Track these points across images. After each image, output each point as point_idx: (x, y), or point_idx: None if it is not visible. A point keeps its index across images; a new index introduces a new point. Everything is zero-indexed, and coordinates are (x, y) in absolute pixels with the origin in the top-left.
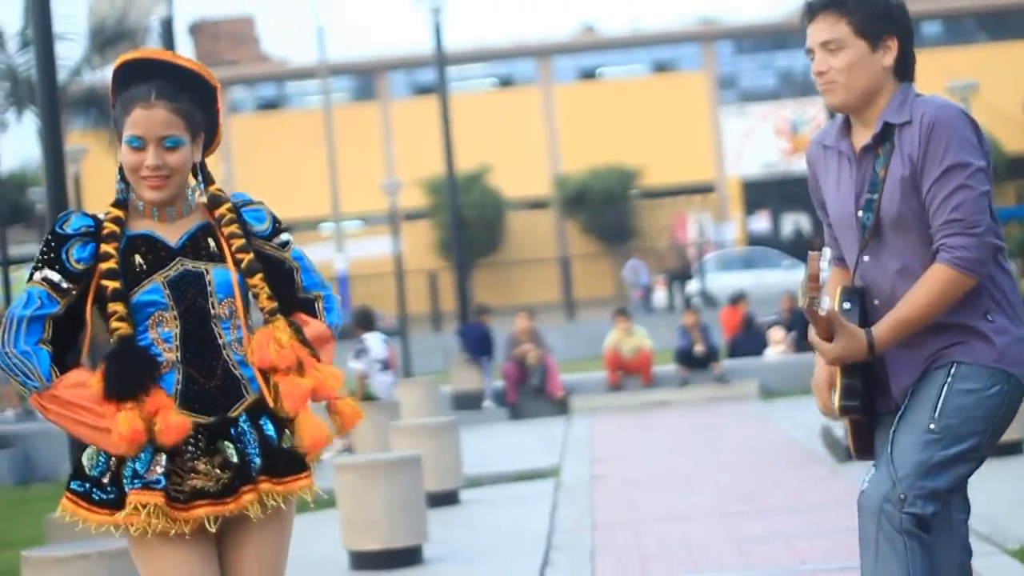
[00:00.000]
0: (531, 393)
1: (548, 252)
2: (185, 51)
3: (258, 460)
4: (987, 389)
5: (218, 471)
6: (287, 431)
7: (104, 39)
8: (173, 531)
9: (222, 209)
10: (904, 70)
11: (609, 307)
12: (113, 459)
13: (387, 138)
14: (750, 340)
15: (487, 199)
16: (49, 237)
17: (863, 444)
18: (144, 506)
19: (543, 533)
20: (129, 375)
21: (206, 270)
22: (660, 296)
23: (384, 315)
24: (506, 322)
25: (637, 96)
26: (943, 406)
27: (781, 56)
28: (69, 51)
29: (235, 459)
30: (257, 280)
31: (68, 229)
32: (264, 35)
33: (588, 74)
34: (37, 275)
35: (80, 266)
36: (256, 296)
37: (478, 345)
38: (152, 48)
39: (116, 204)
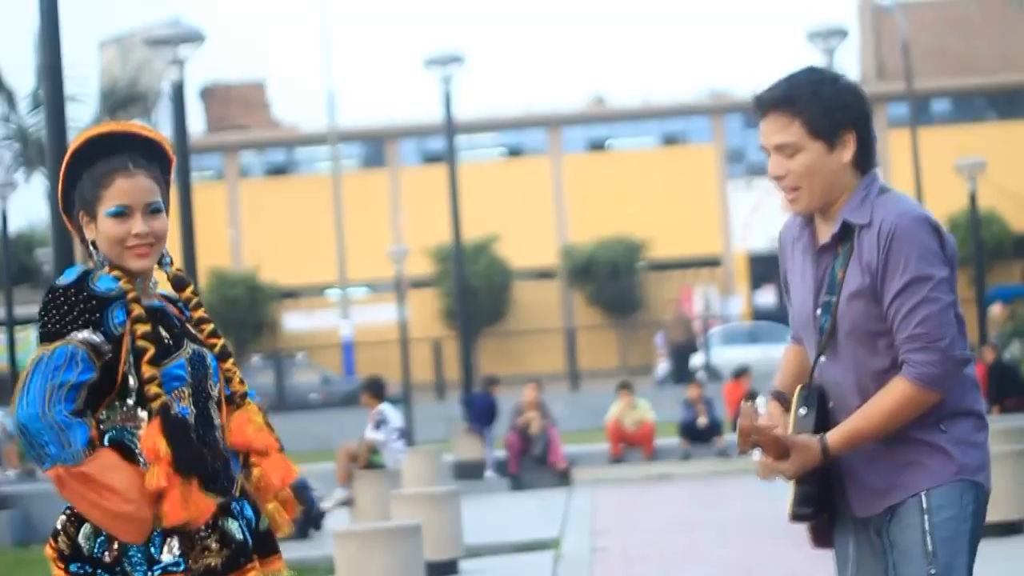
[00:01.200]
0: (533, 464)
1: (554, 322)
2: (196, 115)
3: (251, 540)
4: (964, 509)
5: (225, 549)
6: (261, 515)
7: (115, 101)
8: None
9: (187, 292)
10: (865, 159)
11: (613, 379)
12: (115, 542)
13: (395, 205)
14: None
15: (494, 268)
16: (84, 295)
17: (820, 538)
18: None
19: None
20: (194, 448)
21: (206, 352)
22: (663, 369)
23: (388, 382)
24: (511, 392)
25: (646, 168)
26: (933, 547)
27: None
28: (80, 113)
29: (239, 536)
30: (230, 364)
31: (100, 289)
32: (275, 100)
33: (597, 145)
34: (77, 335)
35: (118, 331)
36: (229, 380)
37: (482, 415)
38: (114, 122)
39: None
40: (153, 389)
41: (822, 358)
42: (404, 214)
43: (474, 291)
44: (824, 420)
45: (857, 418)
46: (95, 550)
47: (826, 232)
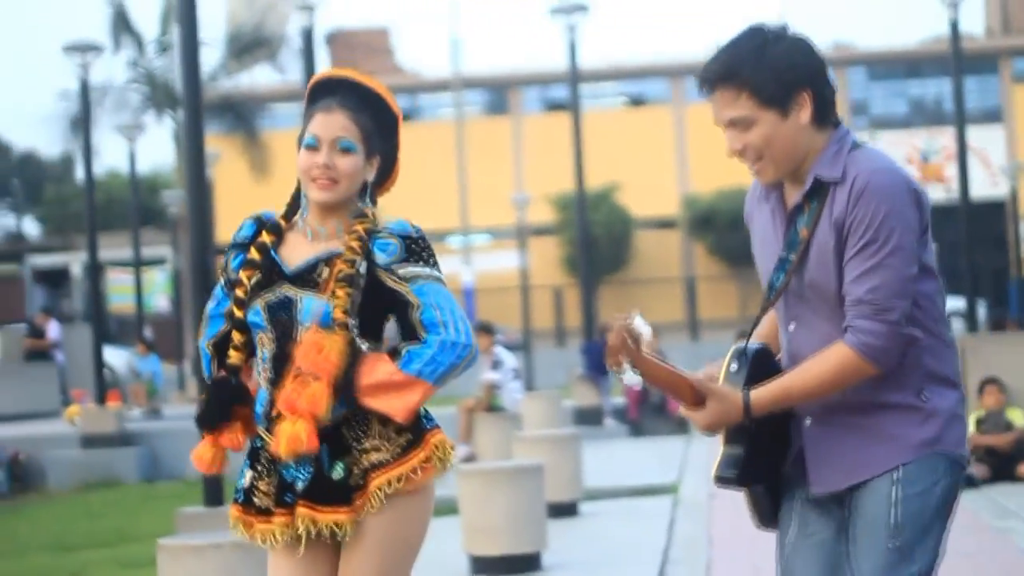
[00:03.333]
0: (652, 411)
1: (674, 272)
2: (321, 60)
3: (301, 484)
4: (934, 485)
5: (273, 491)
6: (342, 461)
7: (241, 46)
8: (254, 541)
9: (350, 240)
10: (825, 114)
11: (732, 329)
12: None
13: (518, 153)
14: None
15: (615, 217)
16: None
17: (763, 515)
18: (229, 518)
19: (660, 547)
20: (214, 409)
21: (300, 298)
22: None
23: (508, 329)
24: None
25: None
26: (897, 520)
27: (914, 84)
28: (207, 57)
29: (287, 480)
30: (340, 315)
31: (237, 237)
32: (399, 47)
33: None
34: (224, 274)
35: (235, 276)
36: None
37: (599, 362)
38: (343, 69)
39: (284, 215)
40: (230, 350)
41: (791, 326)
42: (526, 162)
43: (595, 239)
44: (758, 381)
45: (788, 378)
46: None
47: (795, 193)
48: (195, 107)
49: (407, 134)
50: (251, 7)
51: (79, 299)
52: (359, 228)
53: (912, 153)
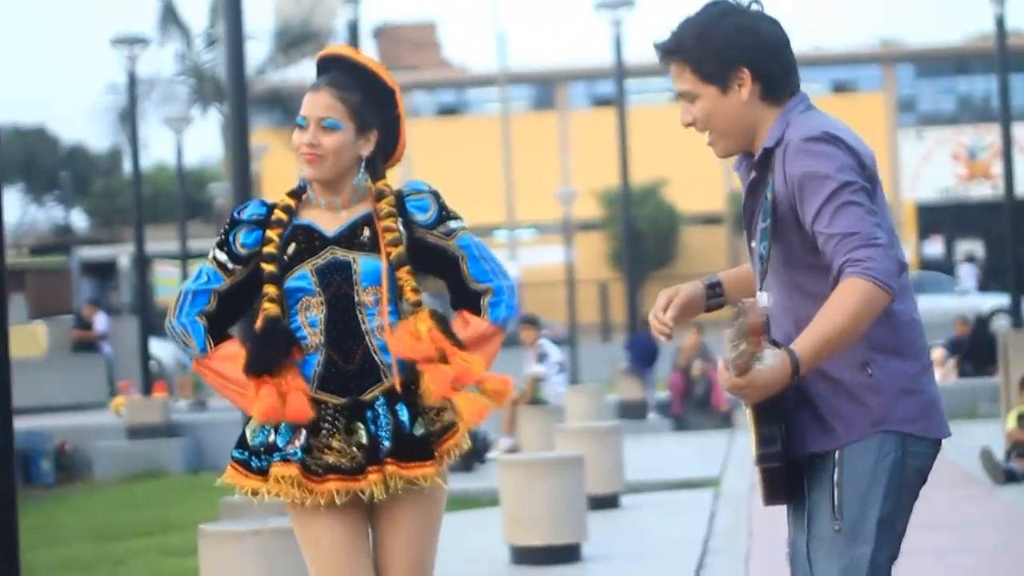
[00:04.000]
0: (695, 406)
1: (720, 268)
2: (368, 54)
3: (387, 443)
4: (881, 461)
5: (353, 449)
6: (420, 419)
7: (289, 40)
8: (308, 501)
9: (383, 203)
10: (773, 90)
11: None
12: (272, 432)
13: (564, 148)
14: None
15: (661, 213)
16: (227, 221)
17: (774, 491)
18: (283, 478)
19: (700, 538)
20: (268, 354)
21: (354, 259)
22: None
23: (553, 323)
24: (674, 335)
25: None
26: (840, 502)
27: (961, 81)
28: (254, 51)
29: (365, 440)
30: (403, 273)
31: (243, 216)
32: (445, 41)
33: None
34: (210, 255)
35: (244, 250)
36: (402, 288)
37: (643, 356)
38: (340, 46)
39: (291, 193)
40: (263, 303)
41: (765, 293)
42: (573, 156)
43: (641, 235)
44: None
45: (820, 324)
46: (255, 440)
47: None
48: (240, 100)
49: (453, 129)
50: (299, 2)
51: (126, 291)
52: (386, 189)
53: (959, 150)
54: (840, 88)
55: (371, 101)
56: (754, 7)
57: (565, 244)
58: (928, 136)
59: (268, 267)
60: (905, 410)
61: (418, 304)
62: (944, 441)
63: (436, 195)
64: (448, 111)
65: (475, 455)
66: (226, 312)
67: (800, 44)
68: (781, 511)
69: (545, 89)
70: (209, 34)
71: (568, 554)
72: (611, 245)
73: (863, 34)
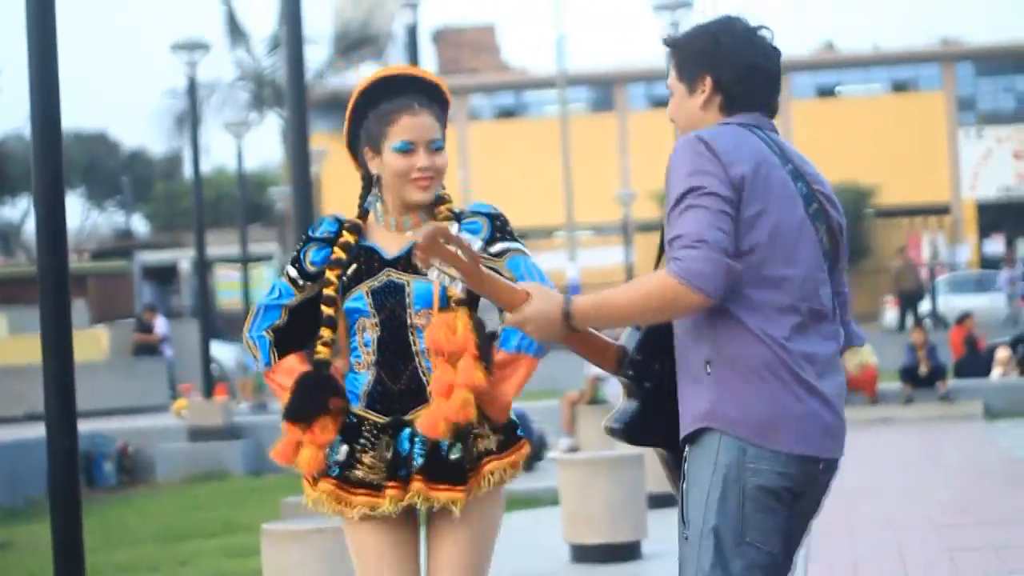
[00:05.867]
0: None
1: None
2: (427, 58)
3: (420, 460)
4: (710, 466)
5: (381, 465)
6: (458, 444)
7: (348, 44)
8: (347, 514)
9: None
10: (730, 104)
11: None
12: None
13: (623, 149)
14: (976, 361)
15: None
16: (303, 237)
17: (673, 480)
18: (323, 492)
19: None
20: (305, 405)
21: (407, 282)
22: (891, 316)
23: None
24: None
25: (874, 114)
26: (685, 508)
27: (1021, 79)
28: (313, 54)
29: (390, 456)
30: (456, 292)
31: (316, 233)
32: (504, 44)
33: (827, 91)
34: (284, 270)
35: (314, 268)
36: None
37: None
38: (397, 65)
39: (360, 215)
40: (317, 345)
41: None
42: (631, 158)
43: None
44: (655, 347)
45: (612, 290)
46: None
47: None
48: (300, 104)
49: (512, 131)
50: (358, 5)
51: (187, 295)
52: (445, 211)
53: (1020, 148)
54: (900, 87)
55: (442, 116)
56: (762, 32)
57: (624, 245)
58: (988, 135)
59: (327, 310)
60: (742, 413)
61: (460, 303)
62: (1006, 438)
63: (493, 217)
64: (507, 113)
65: (534, 455)
66: (301, 324)
67: (859, 43)
68: (842, 508)
69: (604, 91)
70: (272, 39)
71: (628, 552)
72: None
73: (923, 33)
